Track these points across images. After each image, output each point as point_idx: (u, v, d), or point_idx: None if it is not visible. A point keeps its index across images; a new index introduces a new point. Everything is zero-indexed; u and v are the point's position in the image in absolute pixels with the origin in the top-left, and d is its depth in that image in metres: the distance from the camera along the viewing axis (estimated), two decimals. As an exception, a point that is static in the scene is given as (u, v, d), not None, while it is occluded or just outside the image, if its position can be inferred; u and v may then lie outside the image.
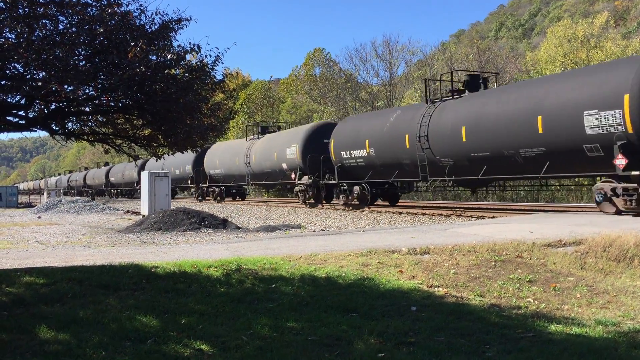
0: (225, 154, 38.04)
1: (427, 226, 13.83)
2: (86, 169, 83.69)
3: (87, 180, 72.05)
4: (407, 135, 20.37)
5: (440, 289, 6.86)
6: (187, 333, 5.16)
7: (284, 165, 29.58)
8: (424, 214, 19.74)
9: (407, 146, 20.34)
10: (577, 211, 16.34)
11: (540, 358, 4.48)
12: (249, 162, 33.87)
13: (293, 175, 28.45)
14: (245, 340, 4.96)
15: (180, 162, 43.11)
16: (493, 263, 7.94)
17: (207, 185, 41.10)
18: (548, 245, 8.88)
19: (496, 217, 16.29)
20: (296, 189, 28.86)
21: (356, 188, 23.88)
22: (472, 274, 7.46)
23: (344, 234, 12.18)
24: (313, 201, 27.56)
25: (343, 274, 7.44)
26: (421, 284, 7.06)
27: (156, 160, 8.93)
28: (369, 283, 7.02)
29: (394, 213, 20.95)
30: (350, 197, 24.38)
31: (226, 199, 40.33)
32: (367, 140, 22.50)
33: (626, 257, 7.89)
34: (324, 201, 27.05)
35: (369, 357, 4.55)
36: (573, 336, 5.14)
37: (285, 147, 29.35)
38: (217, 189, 40.23)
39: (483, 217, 16.81)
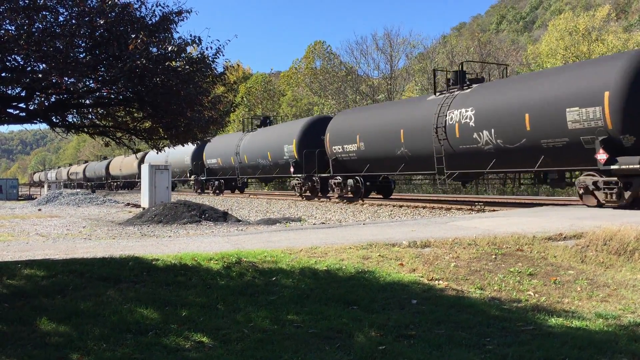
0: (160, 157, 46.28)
1: (427, 219, 13.83)
2: (70, 165, 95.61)
3: (70, 175, 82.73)
4: (232, 154, 36.30)
5: (440, 282, 6.87)
6: (188, 325, 5.17)
7: (184, 166, 44.96)
8: (424, 207, 19.76)
9: (232, 160, 36.45)
10: (577, 204, 16.31)
11: (540, 351, 4.49)
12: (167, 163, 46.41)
13: (188, 175, 44.46)
14: (245, 333, 4.97)
15: (128, 161, 53.31)
16: (493, 256, 7.95)
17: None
18: (548, 238, 8.88)
19: (496, 210, 16.30)
20: (190, 182, 45.70)
21: (216, 183, 40.28)
22: (472, 267, 7.46)
23: (345, 227, 12.18)
24: (200, 191, 42.19)
25: (343, 267, 7.45)
26: (422, 277, 7.07)
27: (157, 153, 8.95)
28: (370, 276, 7.03)
29: (394, 206, 20.97)
30: (208, 187, 40.88)
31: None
32: (219, 158, 38.68)
33: (627, 250, 7.90)
34: (198, 190, 42.29)
35: (369, 349, 4.55)
36: (573, 329, 5.15)
37: (183, 155, 43.62)
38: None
39: (484, 211, 16.81)
